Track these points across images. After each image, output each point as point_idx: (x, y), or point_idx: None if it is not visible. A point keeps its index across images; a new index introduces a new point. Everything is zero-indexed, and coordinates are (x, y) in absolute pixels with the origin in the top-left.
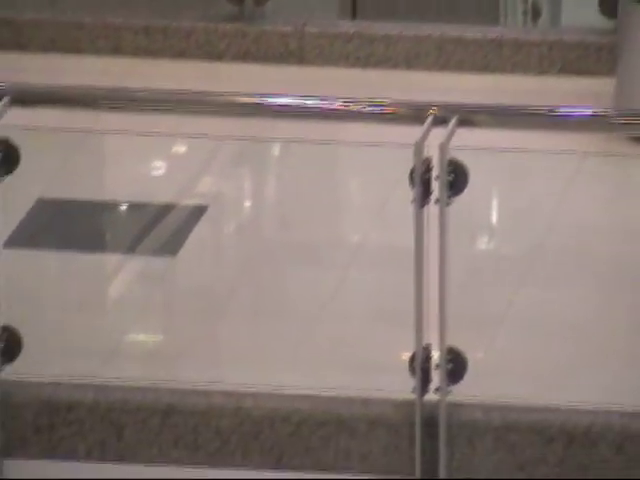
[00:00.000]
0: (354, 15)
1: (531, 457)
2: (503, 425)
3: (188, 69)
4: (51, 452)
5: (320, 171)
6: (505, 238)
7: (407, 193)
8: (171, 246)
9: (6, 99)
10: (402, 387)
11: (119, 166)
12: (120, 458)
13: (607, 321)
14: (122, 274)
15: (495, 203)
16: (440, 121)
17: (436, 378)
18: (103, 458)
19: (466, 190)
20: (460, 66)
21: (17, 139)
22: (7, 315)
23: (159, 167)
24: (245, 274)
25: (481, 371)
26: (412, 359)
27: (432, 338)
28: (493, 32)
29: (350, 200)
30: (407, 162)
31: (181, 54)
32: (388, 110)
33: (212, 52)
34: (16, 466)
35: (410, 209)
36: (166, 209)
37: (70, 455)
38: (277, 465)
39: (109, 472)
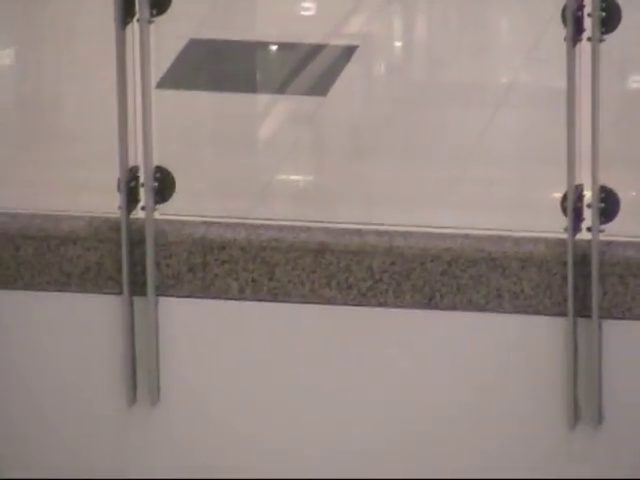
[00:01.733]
0: None
1: None
2: None
3: None
4: (204, 290)
5: (470, 9)
6: None
7: (559, 31)
8: (321, 86)
9: None
10: (554, 226)
11: (269, 6)
12: (273, 297)
13: None
14: (273, 114)
15: None
16: None
17: (588, 217)
18: (256, 297)
19: (619, 28)
20: None
21: None
22: (160, 155)
23: (309, 7)
24: (395, 114)
25: (634, 210)
26: (564, 198)
27: (584, 178)
28: None
29: (500, 39)
30: None
31: None
32: None
33: None
34: (171, 304)
35: (562, 47)
36: (316, 49)
37: (223, 293)
38: (428, 304)
39: (262, 311)
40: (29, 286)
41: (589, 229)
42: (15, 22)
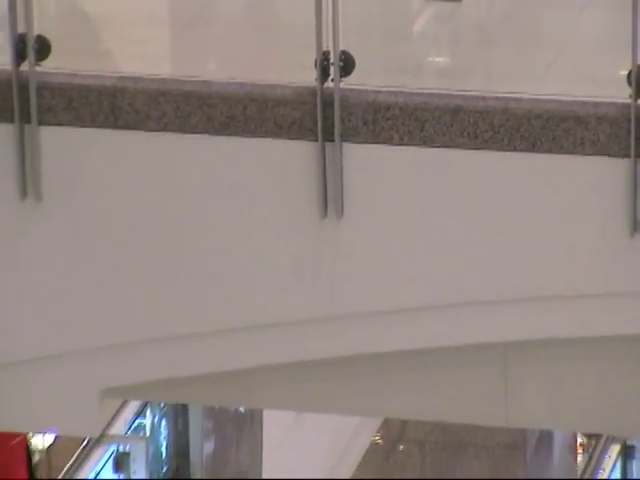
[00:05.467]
0: None
1: None
2: None
3: None
4: (374, 138)
5: None
6: None
7: None
8: None
9: None
10: (623, 94)
11: None
12: (422, 143)
13: None
14: (423, 14)
15: None
16: None
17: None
18: (411, 143)
19: None
20: None
21: None
22: (345, 43)
23: None
24: (511, 14)
25: None
26: (629, 74)
27: None
28: None
29: None
30: None
31: None
32: None
33: None
34: (351, 148)
35: None
36: None
37: (388, 141)
38: (532, 149)
39: (414, 153)
40: (253, 134)
41: None
42: None
